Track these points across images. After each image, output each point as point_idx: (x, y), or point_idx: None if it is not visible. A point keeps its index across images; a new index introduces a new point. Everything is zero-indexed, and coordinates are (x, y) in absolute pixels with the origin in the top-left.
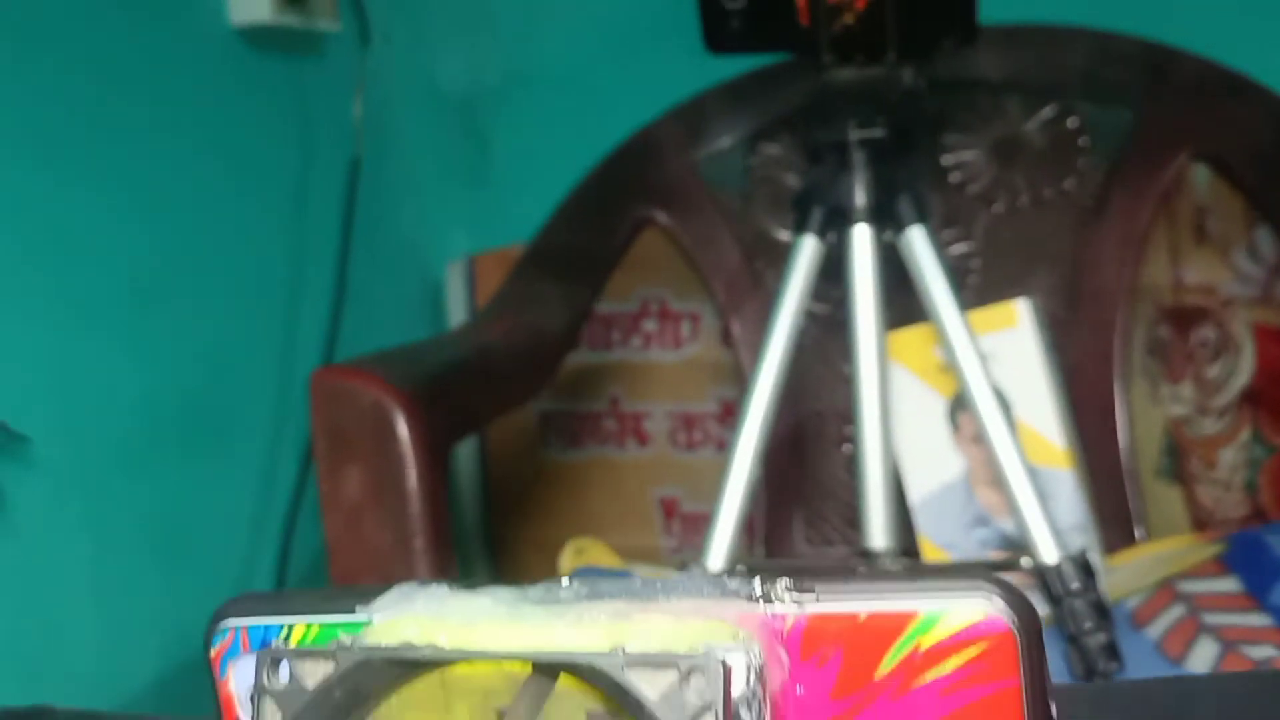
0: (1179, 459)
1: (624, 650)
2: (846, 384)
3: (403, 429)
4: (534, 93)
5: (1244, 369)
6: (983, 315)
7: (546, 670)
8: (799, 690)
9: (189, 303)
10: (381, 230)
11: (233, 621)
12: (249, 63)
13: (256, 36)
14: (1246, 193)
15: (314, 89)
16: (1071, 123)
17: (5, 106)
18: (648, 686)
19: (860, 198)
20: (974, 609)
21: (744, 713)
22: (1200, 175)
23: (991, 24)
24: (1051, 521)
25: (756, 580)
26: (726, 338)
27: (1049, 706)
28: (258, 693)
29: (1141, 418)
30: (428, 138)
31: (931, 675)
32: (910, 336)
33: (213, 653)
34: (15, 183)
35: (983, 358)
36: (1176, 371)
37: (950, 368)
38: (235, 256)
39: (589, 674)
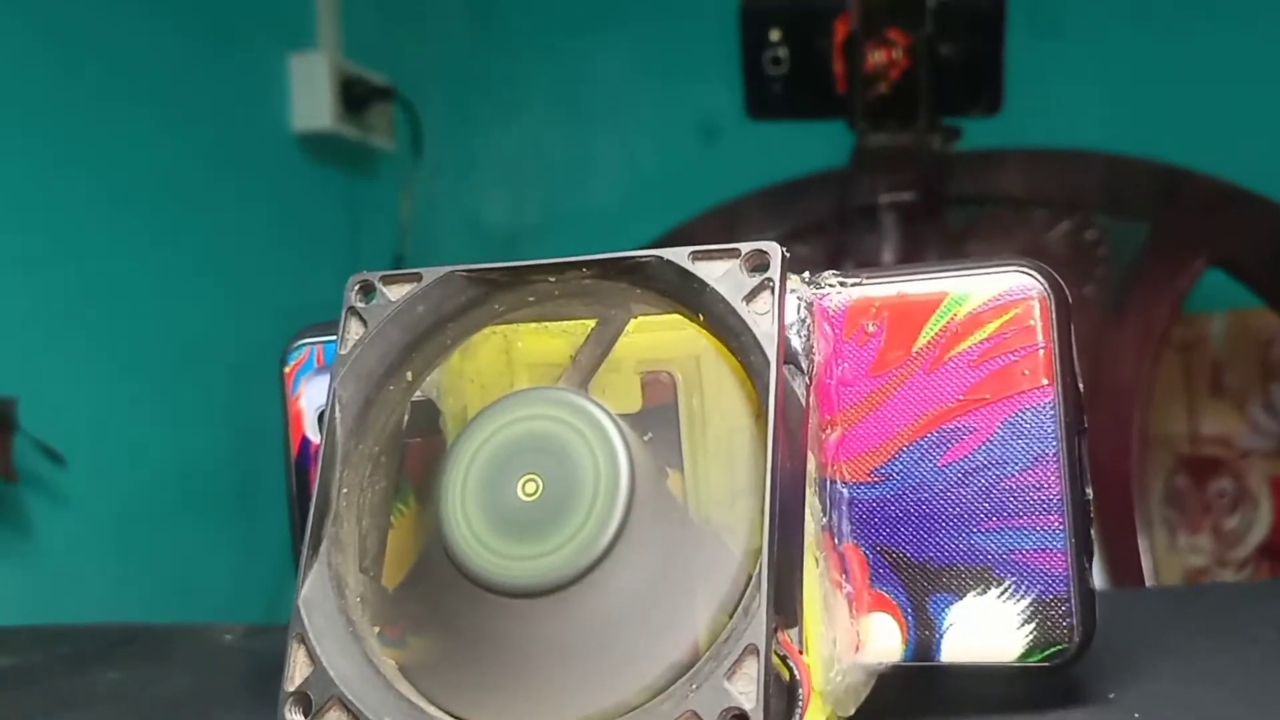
0: None
1: (689, 248)
2: None
3: None
4: (575, 230)
5: (1262, 521)
6: None
7: (611, 299)
8: (843, 366)
9: (231, 375)
10: None
11: (310, 339)
12: (307, 167)
13: (315, 143)
14: (1260, 294)
15: (365, 200)
16: (1090, 234)
17: (87, 175)
18: (708, 273)
19: (888, 257)
20: (1008, 280)
21: (794, 339)
22: (1216, 329)
23: (1015, 147)
24: None
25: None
26: None
27: (1075, 374)
28: (345, 313)
29: (1161, 566)
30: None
31: (965, 344)
32: None
33: (287, 369)
34: (87, 233)
35: None
36: (1194, 522)
37: None
38: (278, 335)
39: (655, 268)
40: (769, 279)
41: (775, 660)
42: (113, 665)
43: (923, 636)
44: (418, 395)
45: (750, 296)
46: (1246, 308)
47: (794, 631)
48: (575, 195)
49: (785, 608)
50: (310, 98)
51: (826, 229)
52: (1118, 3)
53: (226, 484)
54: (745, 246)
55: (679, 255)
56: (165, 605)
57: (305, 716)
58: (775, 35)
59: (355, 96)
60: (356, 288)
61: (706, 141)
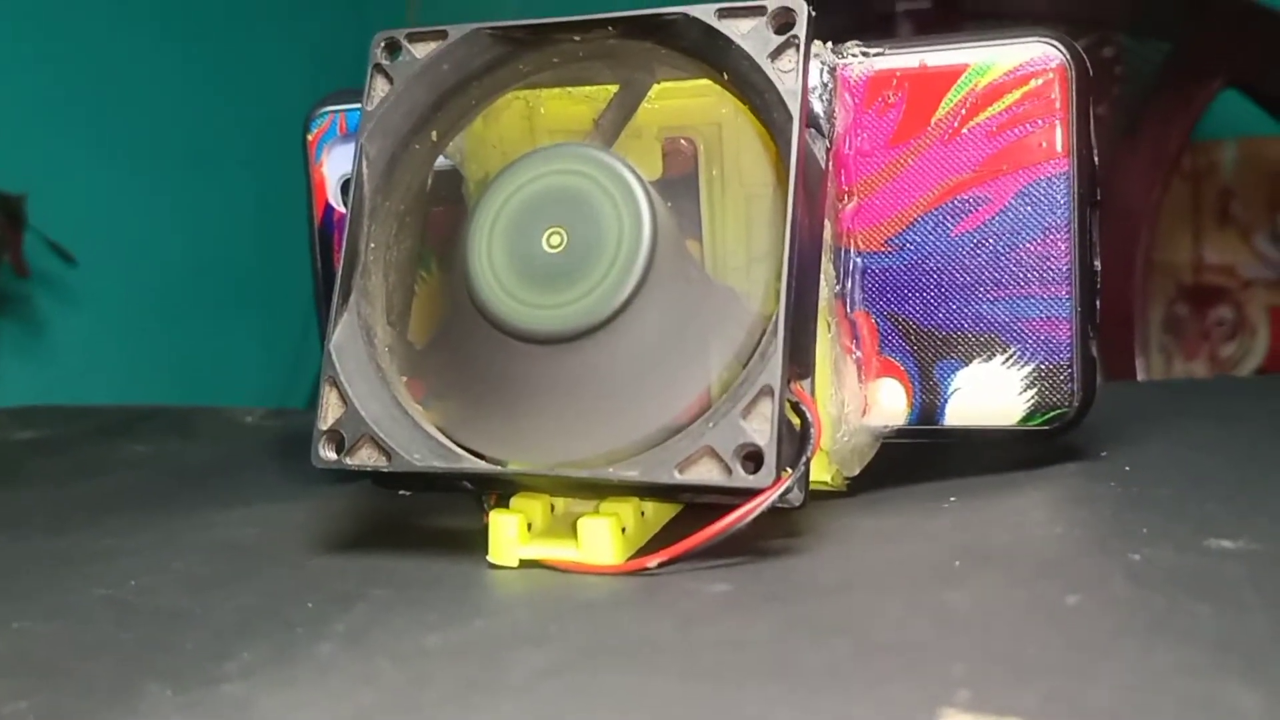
0: None
1: (715, 4)
2: None
3: None
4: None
5: (1258, 350)
6: None
7: (635, 61)
8: (862, 137)
9: (242, 167)
10: None
11: (332, 106)
12: None
13: None
14: (1275, 116)
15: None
16: (1108, 51)
17: None
18: (734, 30)
19: None
20: (1030, 50)
21: (816, 103)
22: (1228, 157)
23: None
24: None
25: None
26: None
27: (1092, 147)
28: (371, 70)
29: None
30: None
31: (985, 115)
32: None
33: (310, 137)
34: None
35: None
36: (1191, 349)
37: None
38: (289, 141)
39: (680, 25)
40: (794, 36)
41: (787, 407)
42: (138, 439)
43: (928, 401)
44: (441, 161)
45: (775, 54)
46: (1260, 136)
47: (807, 382)
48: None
49: (799, 358)
50: None
51: (843, 39)
52: None
53: (238, 279)
54: (772, 3)
55: (705, 12)
56: (180, 399)
57: (338, 453)
58: None
59: None
60: (382, 45)
61: None
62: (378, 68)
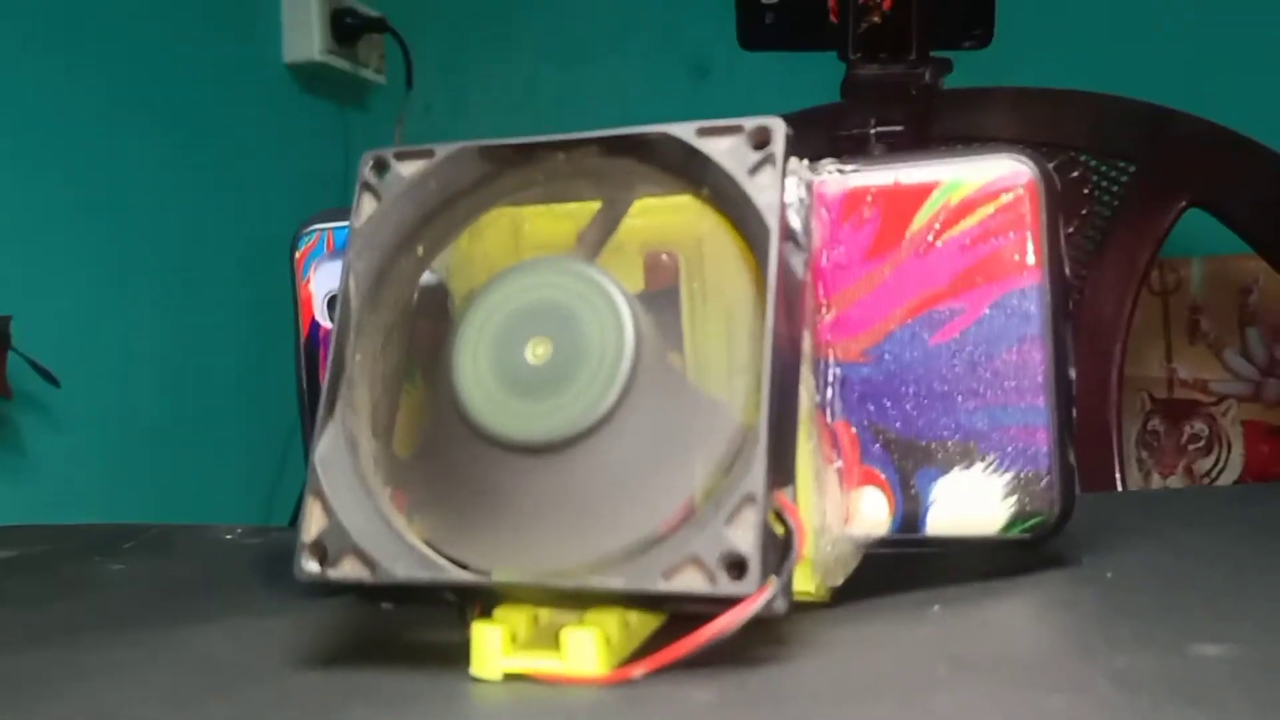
0: None
1: (695, 123)
2: None
3: None
4: None
5: (1234, 465)
6: None
7: (617, 179)
8: (838, 251)
9: (225, 295)
10: None
11: (320, 224)
12: (300, 97)
13: (306, 73)
14: (1240, 235)
15: (358, 131)
16: (1074, 172)
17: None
18: (713, 148)
19: None
20: (999, 166)
21: (794, 217)
22: (1196, 274)
23: (1001, 86)
24: None
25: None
26: None
27: (1062, 259)
28: (359, 188)
29: None
30: None
31: (958, 229)
32: None
33: (298, 254)
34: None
35: None
36: (1168, 464)
37: None
38: (272, 263)
39: (662, 143)
40: (772, 153)
41: (770, 515)
42: (117, 557)
43: (909, 509)
44: (427, 276)
45: (754, 170)
46: (1225, 254)
47: (789, 490)
48: (566, 133)
49: (781, 466)
50: (302, 28)
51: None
52: None
53: (221, 399)
54: (749, 123)
55: (685, 131)
56: (161, 519)
57: (321, 565)
58: None
59: (346, 28)
60: (371, 164)
61: (696, 81)
62: (366, 186)
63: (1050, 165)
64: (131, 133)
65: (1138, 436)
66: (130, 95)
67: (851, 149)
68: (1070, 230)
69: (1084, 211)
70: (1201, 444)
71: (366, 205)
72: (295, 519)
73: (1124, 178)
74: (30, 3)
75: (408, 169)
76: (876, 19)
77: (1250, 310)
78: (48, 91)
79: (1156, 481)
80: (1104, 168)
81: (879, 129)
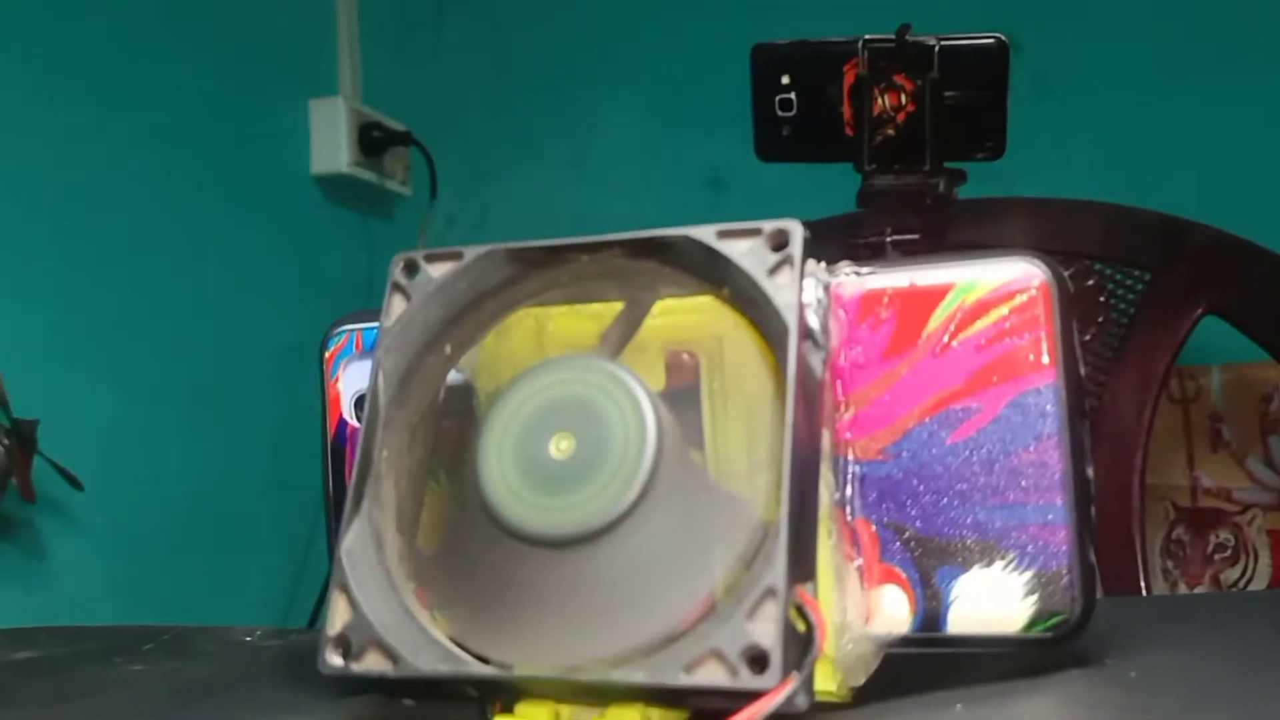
0: None
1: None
2: None
3: None
4: None
5: (1262, 574)
6: None
7: (640, 280)
8: (856, 351)
9: (249, 406)
10: None
11: (350, 325)
12: (326, 208)
13: (333, 185)
14: (1258, 343)
15: (382, 242)
16: (1091, 280)
17: (112, 207)
18: (733, 250)
19: None
20: (1013, 269)
21: (812, 317)
22: (1215, 382)
23: (1016, 196)
24: None
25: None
26: None
27: (1077, 358)
28: (389, 289)
29: None
30: None
31: (973, 329)
32: None
33: (327, 354)
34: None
35: None
36: (1194, 574)
37: None
38: (296, 371)
39: (683, 245)
40: (790, 254)
41: (791, 610)
42: (136, 658)
43: (930, 607)
44: (453, 375)
45: (772, 271)
46: (1245, 362)
47: (809, 585)
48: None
49: (802, 561)
50: (329, 141)
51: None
52: (1117, 64)
53: (242, 509)
54: (768, 225)
55: (705, 234)
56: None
57: (345, 658)
58: (785, 79)
59: (373, 141)
60: (401, 265)
61: (713, 193)
62: (396, 286)
63: (1066, 272)
64: (162, 240)
65: (1163, 546)
66: (162, 204)
67: (868, 257)
68: (1088, 337)
69: (1101, 319)
70: (1228, 553)
71: (396, 305)
72: (315, 620)
73: (1140, 286)
74: (65, 113)
75: (437, 270)
76: (891, 131)
77: (1271, 418)
78: (80, 200)
79: (1183, 591)
80: (1119, 275)
81: (895, 237)
